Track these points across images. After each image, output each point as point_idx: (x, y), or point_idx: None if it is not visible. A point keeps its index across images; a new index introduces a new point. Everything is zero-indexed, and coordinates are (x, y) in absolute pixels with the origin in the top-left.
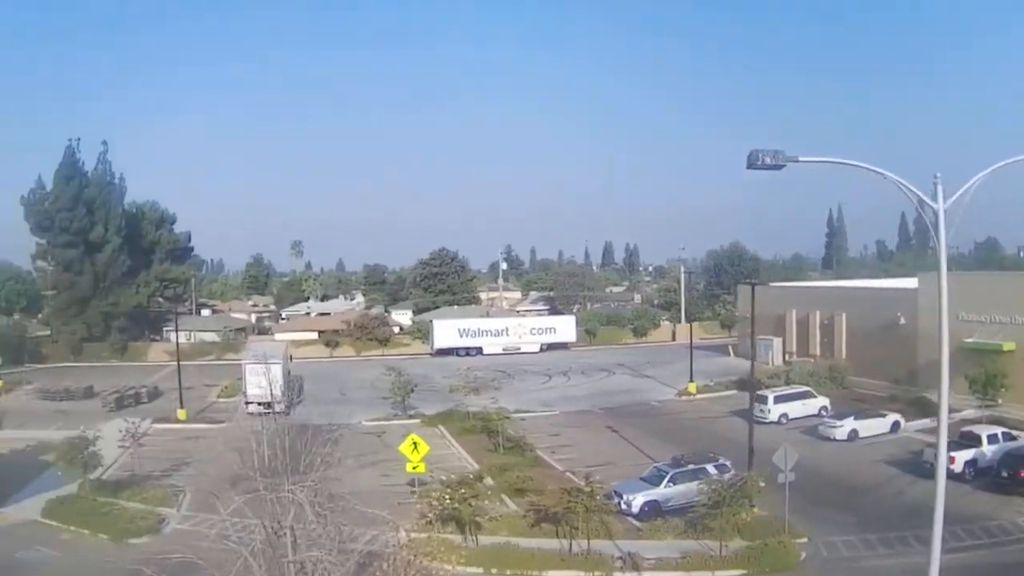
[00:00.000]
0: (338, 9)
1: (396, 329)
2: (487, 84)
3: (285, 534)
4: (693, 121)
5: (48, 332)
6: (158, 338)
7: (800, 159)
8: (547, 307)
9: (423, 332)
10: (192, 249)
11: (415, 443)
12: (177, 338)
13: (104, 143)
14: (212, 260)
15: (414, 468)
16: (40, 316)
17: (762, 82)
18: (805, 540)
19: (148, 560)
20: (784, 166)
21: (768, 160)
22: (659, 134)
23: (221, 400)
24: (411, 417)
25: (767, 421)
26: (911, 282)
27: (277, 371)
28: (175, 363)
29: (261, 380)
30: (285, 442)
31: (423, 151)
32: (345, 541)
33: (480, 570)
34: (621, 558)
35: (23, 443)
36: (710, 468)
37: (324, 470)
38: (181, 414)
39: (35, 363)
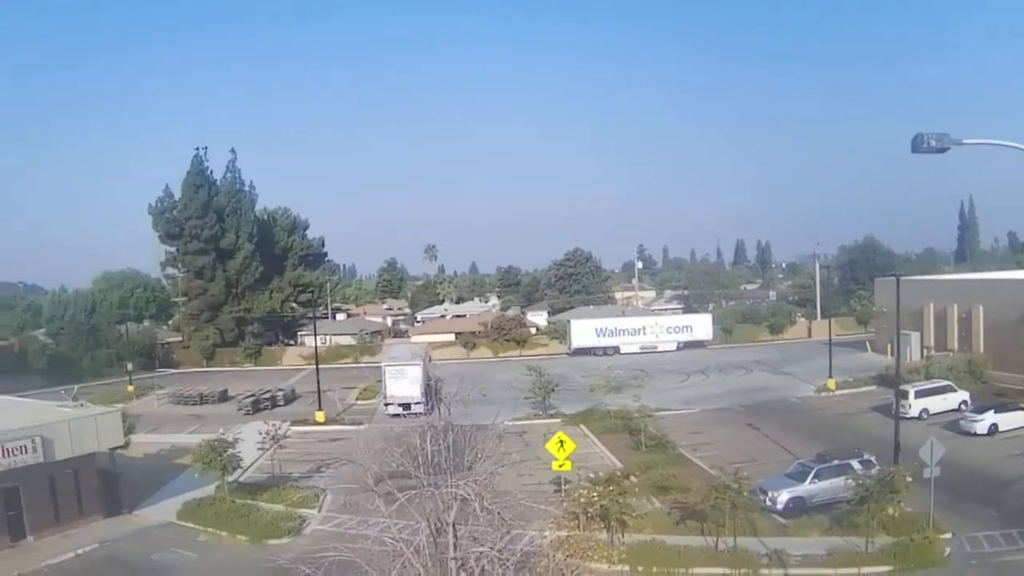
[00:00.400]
0: (476, 13)
1: (533, 330)
2: (612, 82)
3: (447, 531)
4: (821, 118)
5: (179, 338)
6: (292, 343)
7: (965, 142)
8: (681, 305)
9: (559, 332)
10: (326, 254)
11: (562, 441)
12: (316, 341)
13: (232, 151)
14: (345, 265)
15: (560, 466)
16: (170, 323)
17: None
18: (949, 536)
19: (303, 558)
20: (948, 148)
21: (933, 143)
22: (786, 131)
23: (360, 402)
24: (552, 416)
25: (908, 416)
26: None
27: (417, 372)
28: (309, 367)
29: (401, 381)
30: (449, 439)
31: (552, 152)
32: (507, 538)
33: (626, 568)
34: (767, 555)
35: (156, 447)
36: (855, 464)
37: (494, 466)
38: (320, 416)
39: (166, 369)
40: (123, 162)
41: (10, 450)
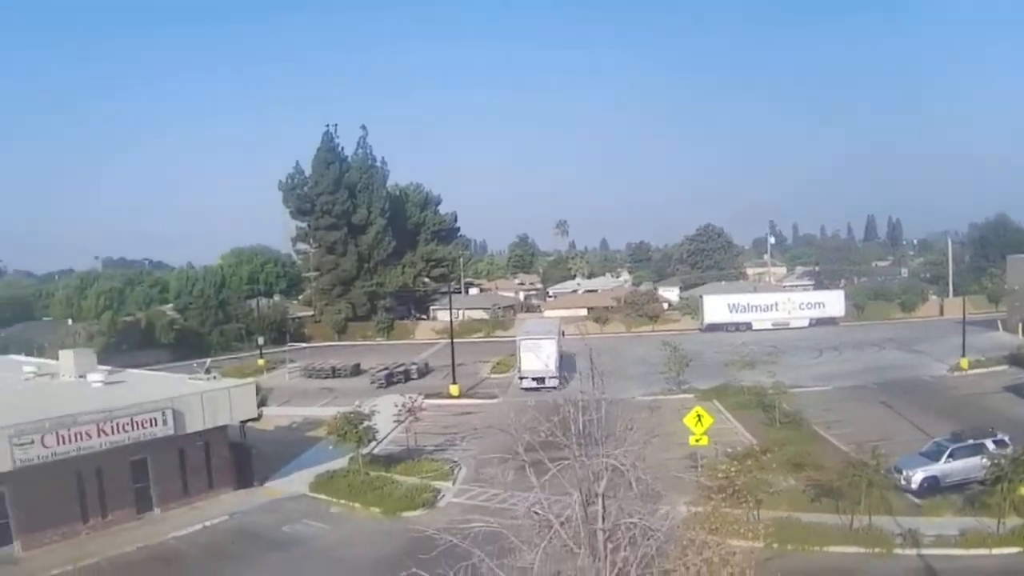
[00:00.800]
0: None
1: (664, 305)
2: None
3: (596, 502)
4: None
5: (311, 312)
6: (424, 317)
7: None
8: (812, 282)
9: (691, 308)
10: (458, 229)
11: (699, 415)
12: (451, 315)
13: (363, 128)
14: (476, 241)
15: (697, 441)
16: (300, 297)
17: None
18: None
19: (450, 528)
20: None
21: None
22: (922, 108)
23: (494, 376)
24: (685, 392)
25: None
26: None
27: (552, 346)
28: (442, 341)
29: (536, 356)
30: (602, 410)
31: (684, 131)
32: (655, 511)
33: (761, 544)
34: (901, 535)
35: (288, 420)
36: (988, 444)
37: (646, 437)
38: (454, 390)
39: (297, 343)
40: (253, 142)
41: (139, 422)
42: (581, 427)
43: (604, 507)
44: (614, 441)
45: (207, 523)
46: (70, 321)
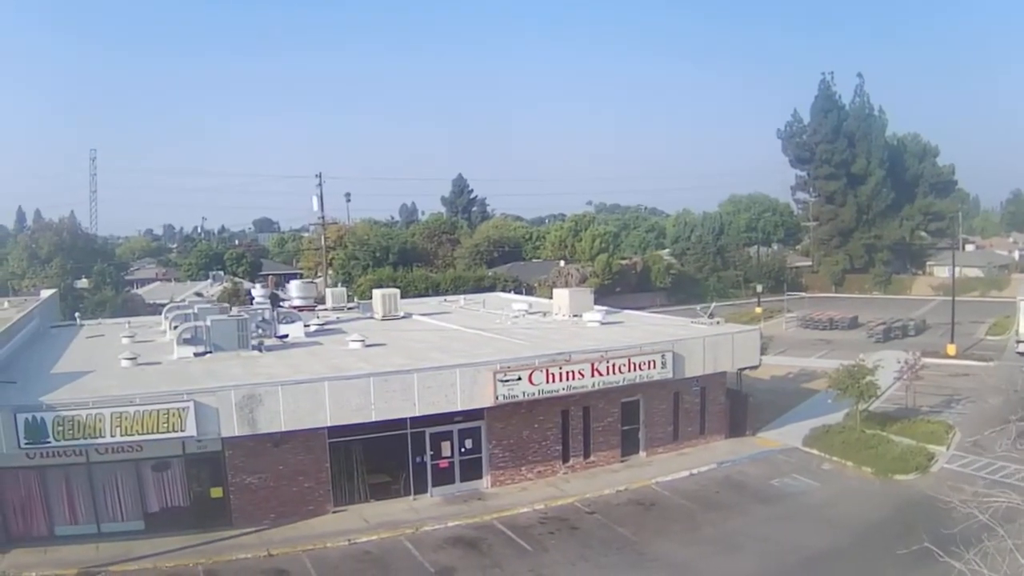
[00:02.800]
0: None
1: None
2: None
3: None
4: None
5: (808, 263)
6: (920, 272)
7: None
8: None
9: None
10: (955, 183)
11: None
12: (953, 272)
13: (859, 75)
14: (971, 195)
15: None
16: (798, 247)
17: None
18: None
19: (974, 501)
20: None
21: None
22: None
23: (989, 338)
24: None
25: None
26: None
27: None
28: (937, 298)
29: None
30: None
31: None
32: None
33: None
34: None
35: (784, 370)
36: None
37: None
38: (950, 349)
39: (795, 292)
40: (749, 89)
41: (637, 364)
42: None
43: None
44: None
45: (693, 471)
46: (562, 263)
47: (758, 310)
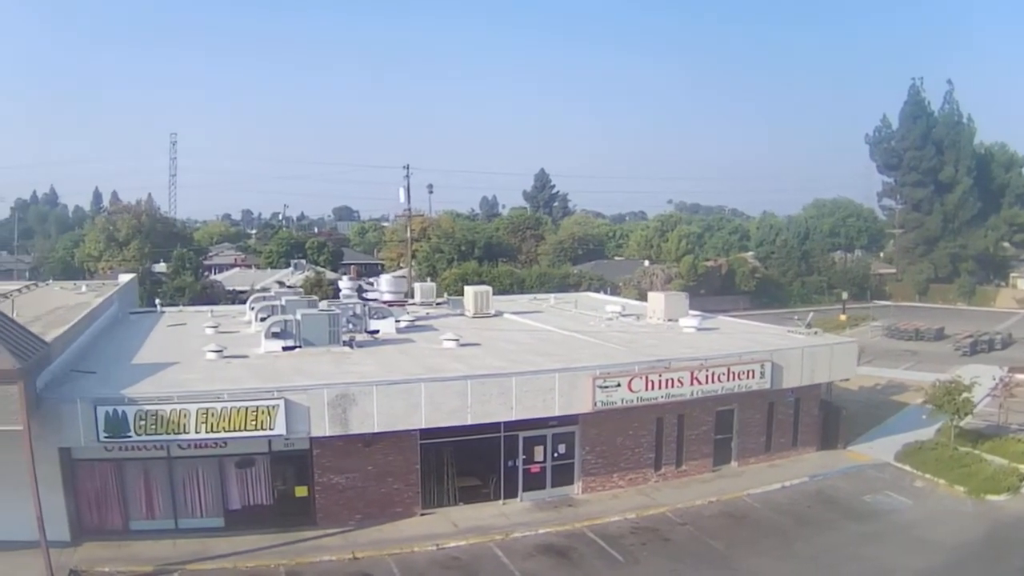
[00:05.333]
0: None
1: None
2: None
3: None
4: None
5: (892, 270)
6: (1003, 284)
7: None
8: None
9: None
10: None
11: None
12: None
13: (949, 82)
14: None
15: None
16: (882, 254)
17: None
18: None
19: None
20: None
21: None
22: None
23: None
24: None
25: None
26: None
27: None
28: (1022, 311)
29: None
30: None
31: None
32: None
33: None
34: None
35: (872, 381)
36: None
37: None
38: None
39: (878, 300)
40: (834, 92)
41: (736, 373)
42: None
43: None
44: None
45: (786, 483)
46: (646, 262)
47: (843, 317)
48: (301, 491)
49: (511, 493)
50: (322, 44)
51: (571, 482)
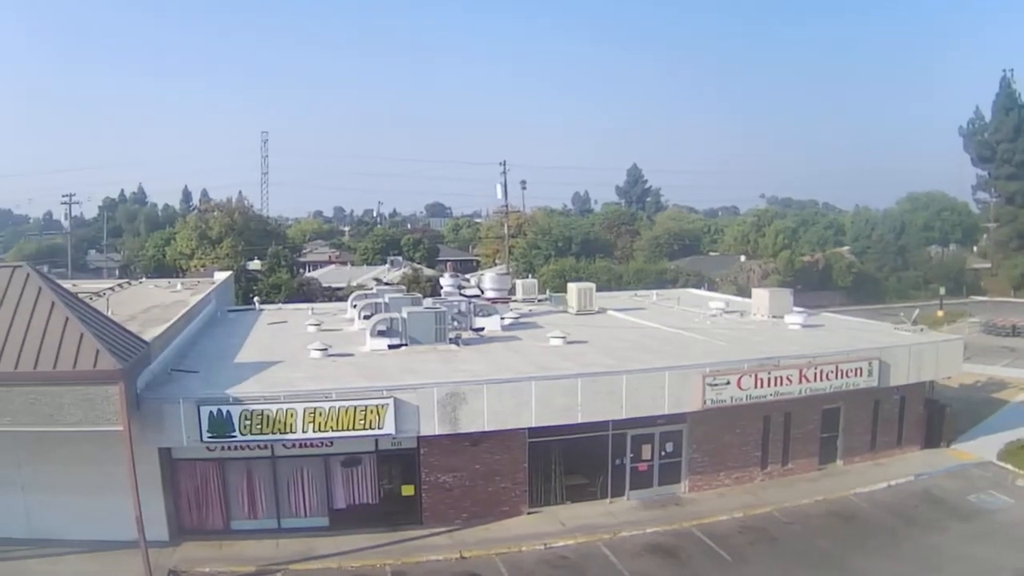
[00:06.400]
0: None
1: None
2: None
3: None
4: None
5: (987, 265)
6: None
7: None
8: None
9: None
10: None
11: None
12: None
13: None
14: None
15: None
16: (975, 248)
17: None
18: None
19: None
20: None
21: None
22: None
23: None
24: None
25: None
26: None
27: None
28: None
29: None
30: None
31: None
32: None
33: None
34: None
35: (971, 378)
36: None
37: None
38: None
39: (975, 296)
40: (928, 86)
41: (844, 371)
42: None
43: None
44: None
45: (891, 482)
46: (743, 258)
47: (940, 313)
48: (407, 490)
49: (618, 492)
50: (423, 41)
51: (678, 480)
